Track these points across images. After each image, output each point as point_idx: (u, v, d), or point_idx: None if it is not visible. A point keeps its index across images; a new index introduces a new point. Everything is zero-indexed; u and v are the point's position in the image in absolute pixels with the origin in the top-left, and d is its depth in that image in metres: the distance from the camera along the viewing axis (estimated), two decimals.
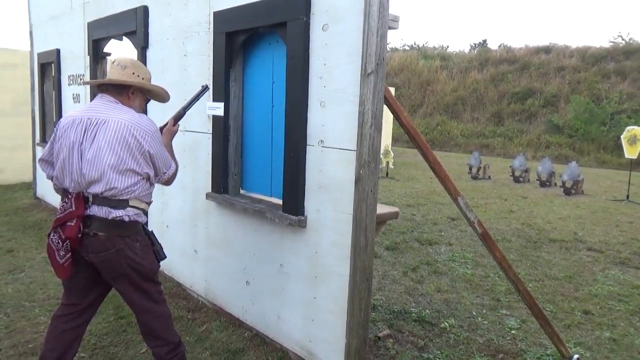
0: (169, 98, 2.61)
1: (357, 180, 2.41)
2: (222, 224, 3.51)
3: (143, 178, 2.28)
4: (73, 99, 5.86)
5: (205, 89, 2.81)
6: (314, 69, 2.65)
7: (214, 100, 3.35)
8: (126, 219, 2.22)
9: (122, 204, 2.22)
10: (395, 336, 3.36)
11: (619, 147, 12.71)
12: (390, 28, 2.54)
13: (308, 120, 2.72)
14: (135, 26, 4.26)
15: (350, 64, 2.44)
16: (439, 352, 3.15)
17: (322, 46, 2.59)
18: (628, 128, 10.13)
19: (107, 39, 4.95)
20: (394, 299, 4.05)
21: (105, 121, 2.20)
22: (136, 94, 2.40)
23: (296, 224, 2.77)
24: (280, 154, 2.95)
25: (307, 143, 2.73)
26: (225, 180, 3.40)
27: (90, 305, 2.44)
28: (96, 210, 2.18)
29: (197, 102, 2.79)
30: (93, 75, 5.13)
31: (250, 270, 3.26)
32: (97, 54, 5.10)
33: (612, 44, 24.04)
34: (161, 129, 2.52)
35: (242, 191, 3.49)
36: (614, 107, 19.08)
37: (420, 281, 4.53)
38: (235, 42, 3.23)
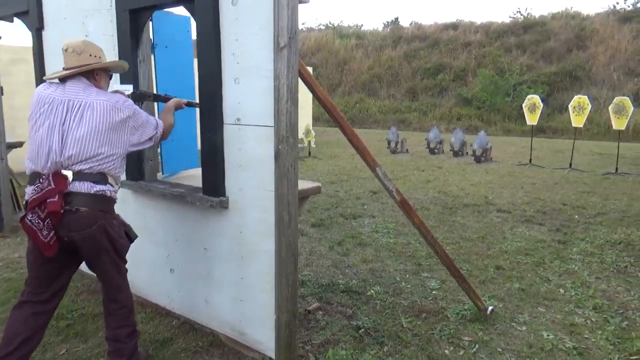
0: (127, 66, 2.69)
1: (277, 156, 2.40)
2: (140, 212, 3.36)
3: (120, 156, 2.36)
4: None
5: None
6: (226, 45, 2.58)
7: (122, 82, 3.16)
8: (108, 193, 2.31)
9: (103, 179, 2.29)
10: (325, 308, 3.43)
11: (522, 116, 13.72)
12: (300, 2, 2.52)
13: (223, 98, 2.65)
14: (27, 5, 3.89)
15: (263, 38, 2.40)
16: (366, 318, 3.27)
17: (232, 21, 2.52)
18: (528, 97, 10.94)
19: None
20: (321, 273, 4.13)
21: (89, 103, 2.25)
22: (100, 74, 2.45)
23: (218, 205, 2.72)
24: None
25: (224, 122, 2.67)
26: (140, 166, 3.25)
27: (58, 292, 2.43)
28: (78, 186, 2.22)
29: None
30: None
31: (174, 257, 3.17)
32: None
33: (512, 19, 25.69)
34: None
35: (162, 176, 3.36)
36: (516, 78, 20.50)
37: (346, 254, 4.65)
38: (140, 20, 3.06)
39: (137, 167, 3.24)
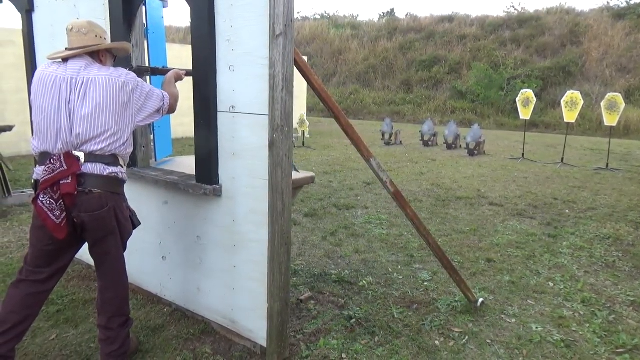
0: (131, 48, 2.64)
1: (271, 145, 2.39)
2: (133, 199, 3.30)
3: (128, 133, 2.34)
4: None
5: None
6: (220, 31, 2.55)
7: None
8: (120, 175, 2.31)
9: (115, 161, 2.29)
10: (317, 297, 3.44)
11: (515, 110, 13.76)
12: None
13: (217, 86, 2.62)
14: None
15: (258, 25, 2.37)
16: (358, 308, 3.28)
17: (227, 7, 2.49)
18: (522, 91, 10.96)
19: None
20: (314, 263, 4.14)
21: (91, 79, 2.22)
22: (106, 55, 2.43)
23: (211, 193, 2.70)
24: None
25: (218, 109, 2.65)
26: (133, 152, 3.21)
27: (57, 273, 2.40)
28: (90, 168, 2.22)
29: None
30: None
31: (166, 245, 3.16)
32: None
33: (506, 13, 25.67)
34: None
35: (155, 163, 3.33)
36: (510, 72, 20.55)
37: (339, 244, 4.66)
38: (133, 4, 3.01)
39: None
